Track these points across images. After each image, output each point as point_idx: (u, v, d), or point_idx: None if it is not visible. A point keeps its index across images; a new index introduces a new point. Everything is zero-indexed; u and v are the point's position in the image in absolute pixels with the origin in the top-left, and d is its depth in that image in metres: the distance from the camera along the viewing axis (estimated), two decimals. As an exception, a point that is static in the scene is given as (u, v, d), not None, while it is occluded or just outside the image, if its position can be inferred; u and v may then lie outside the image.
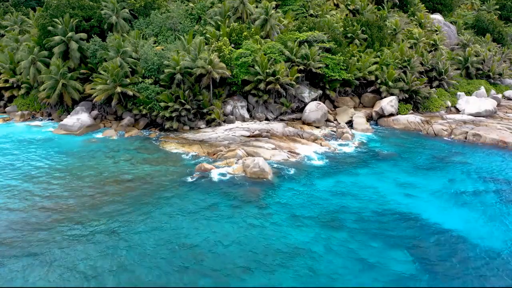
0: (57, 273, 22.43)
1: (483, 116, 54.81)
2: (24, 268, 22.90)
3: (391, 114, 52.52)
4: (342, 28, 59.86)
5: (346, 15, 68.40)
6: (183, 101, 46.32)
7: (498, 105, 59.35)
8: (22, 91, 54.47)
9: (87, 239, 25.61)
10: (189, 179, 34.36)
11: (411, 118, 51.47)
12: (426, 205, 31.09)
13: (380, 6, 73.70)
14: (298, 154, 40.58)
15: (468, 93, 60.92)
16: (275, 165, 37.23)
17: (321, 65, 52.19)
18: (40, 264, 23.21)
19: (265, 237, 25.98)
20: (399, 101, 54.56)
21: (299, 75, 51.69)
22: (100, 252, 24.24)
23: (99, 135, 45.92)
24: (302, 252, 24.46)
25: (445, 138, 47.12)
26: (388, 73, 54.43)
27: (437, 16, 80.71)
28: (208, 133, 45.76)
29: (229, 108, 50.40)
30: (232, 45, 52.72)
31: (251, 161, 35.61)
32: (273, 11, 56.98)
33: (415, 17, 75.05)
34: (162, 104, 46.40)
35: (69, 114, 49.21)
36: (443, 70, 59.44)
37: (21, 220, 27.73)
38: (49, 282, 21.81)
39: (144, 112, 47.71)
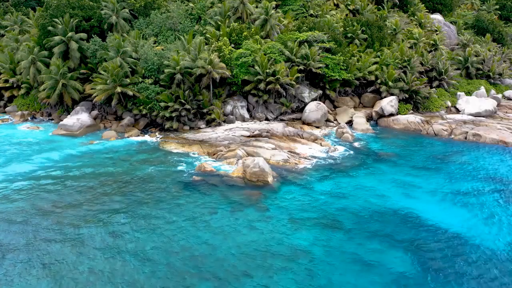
0: (55, 276, 22.39)
1: (483, 116, 54.79)
2: (20, 270, 22.91)
3: (391, 114, 52.51)
4: (342, 28, 59.84)
5: (346, 15, 68.36)
6: (183, 101, 46.31)
7: (498, 105, 59.29)
8: (22, 91, 54.51)
9: (84, 241, 25.53)
10: (189, 180, 34.30)
11: (411, 118, 51.45)
12: (426, 205, 31.07)
13: (380, 6, 73.62)
14: (298, 154, 40.59)
15: (468, 93, 60.90)
16: (275, 166, 37.19)
17: (321, 65, 52.17)
18: (37, 266, 23.18)
19: (265, 239, 25.91)
20: (399, 101, 54.55)
21: (299, 75, 51.67)
22: (98, 255, 24.16)
23: (99, 135, 45.88)
24: (301, 255, 24.41)
25: (445, 138, 47.12)
26: (388, 73, 54.40)
27: (437, 16, 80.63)
28: (208, 133, 45.75)
29: (229, 108, 50.40)
30: (232, 45, 52.69)
31: (251, 161, 35.59)
32: (273, 11, 56.94)
33: (415, 17, 74.97)
34: (162, 104, 46.40)
35: (69, 114, 49.21)
36: (443, 70, 59.42)
37: (18, 221, 27.73)
38: (45, 284, 21.79)
39: (144, 112, 47.71)
